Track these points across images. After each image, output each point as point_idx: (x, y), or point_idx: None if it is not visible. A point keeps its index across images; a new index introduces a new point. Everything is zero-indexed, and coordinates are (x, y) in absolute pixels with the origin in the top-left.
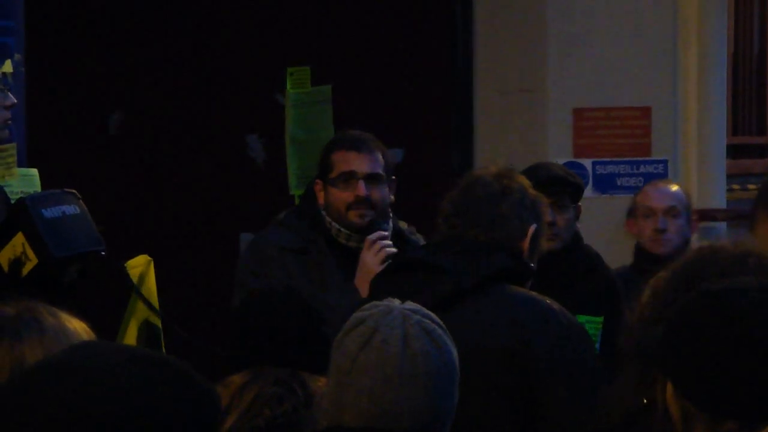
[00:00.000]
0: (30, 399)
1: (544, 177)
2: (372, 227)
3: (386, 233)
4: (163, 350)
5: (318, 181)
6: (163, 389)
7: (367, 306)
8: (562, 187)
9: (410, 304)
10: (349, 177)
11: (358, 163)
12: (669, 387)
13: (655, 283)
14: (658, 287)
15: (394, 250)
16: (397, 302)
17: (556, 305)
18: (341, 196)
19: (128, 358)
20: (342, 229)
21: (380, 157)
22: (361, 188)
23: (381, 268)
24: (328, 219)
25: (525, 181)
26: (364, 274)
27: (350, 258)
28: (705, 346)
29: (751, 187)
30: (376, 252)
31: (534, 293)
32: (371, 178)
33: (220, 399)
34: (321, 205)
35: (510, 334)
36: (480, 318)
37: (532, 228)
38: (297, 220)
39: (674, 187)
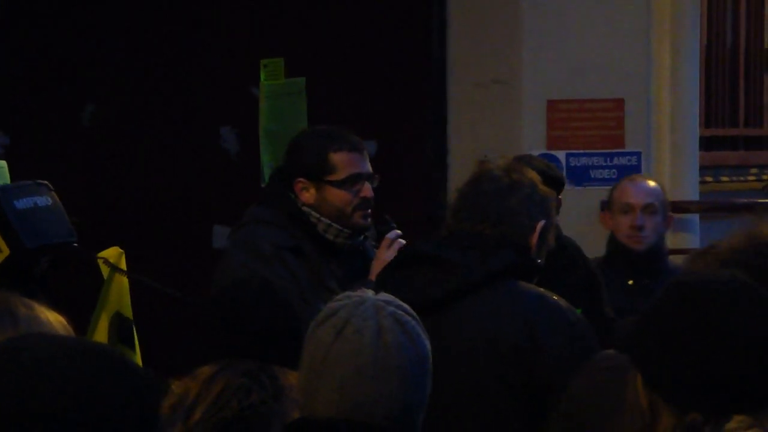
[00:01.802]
0: None
1: None
2: (387, 226)
3: (400, 232)
4: (136, 342)
5: (303, 180)
6: (101, 379)
7: (340, 297)
8: (542, 181)
9: (384, 295)
10: (357, 179)
11: (363, 164)
12: (639, 378)
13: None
14: None
15: None
16: (370, 293)
17: (563, 302)
18: (346, 197)
19: (66, 348)
20: (334, 226)
21: None
22: (369, 190)
23: None
24: (314, 215)
25: (535, 176)
26: None
27: (335, 254)
28: (671, 338)
29: (723, 179)
30: (396, 250)
31: (542, 289)
32: (371, 178)
33: (160, 389)
34: (304, 202)
35: (517, 331)
36: (487, 313)
37: (541, 224)
38: (277, 216)
39: (652, 183)
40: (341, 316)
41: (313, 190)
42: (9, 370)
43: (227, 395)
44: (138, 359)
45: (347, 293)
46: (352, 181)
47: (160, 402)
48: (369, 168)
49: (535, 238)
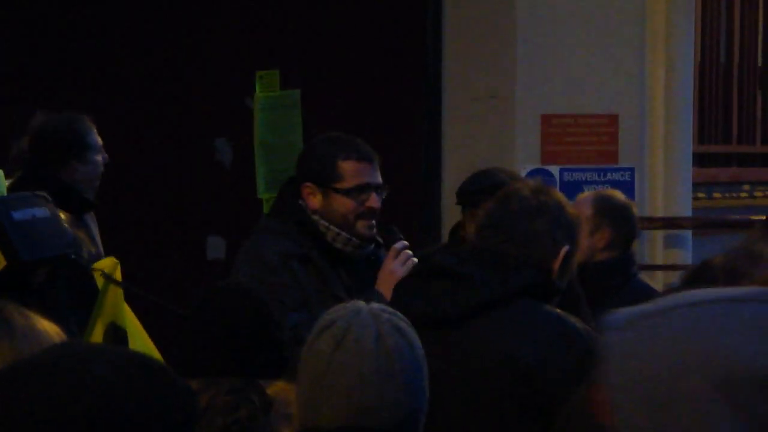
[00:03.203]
0: (7, 398)
1: (488, 183)
2: (393, 236)
3: (407, 243)
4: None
5: (310, 185)
6: (140, 386)
7: (334, 308)
8: None
9: (376, 304)
10: (364, 188)
11: (372, 174)
12: None
13: None
14: None
15: (416, 260)
16: (362, 303)
17: (581, 325)
18: (351, 206)
19: (107, 356)
20: (343, 234)
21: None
22: (375, 200)
23: None
24: (323, 223)
25: (563, 199)
26: (391, 281)
27: (344, 262)
28: None
29: (716, 195)
30: (404, 261)
31: (561, 312)
32: (380, 189)
33: (196, 395)
34: (312, 209)
35: (534, 352)
36: (505, 332)
37: (565, 249)
38: (286, 226)
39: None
40: (340, 326)
41: (319, 196)
42: (51, 376)
43: (211, 413)
44: None
45: (341, 305)
46: (359, 190)
47: (197, 409)
48: (378, 179)
49: (558, 263)
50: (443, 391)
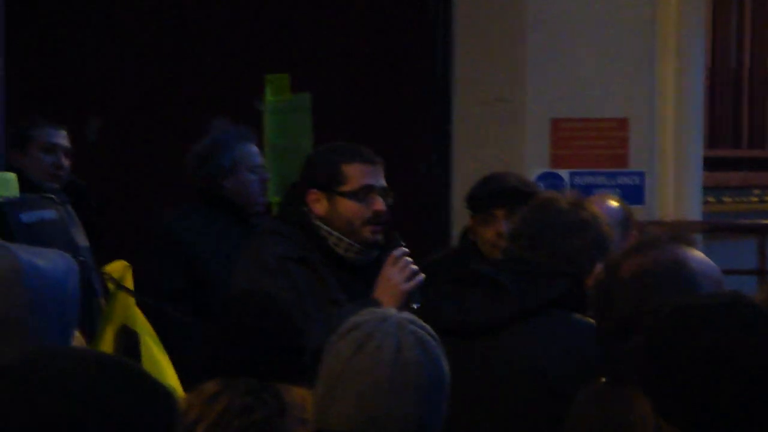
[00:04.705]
0: None
1: (497, 188)
2: (393, 242)
3: (407, 249)
4: (141, 357)
5: (315, 191)
6: (120, 391)
7: (363, 312)
8: (516, 198)
9: (406, 314)
10: (368, 191)
11: (376, 177)
12: (644, 400)
13: None
14: None
15: (415, 267)
16: (393, 311)
17: None
18: (357, 210)
19: (85, 361)
20: (345, 240)
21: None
22: (380, 203)
23: (407, 284)
24: (325, 229)
25: (600, 214)
26: (388, 288)
27: (345, 268)
28: (674, 362)
29: (726, 199)
30: (402, 268)
31: (593, 322)
32: (385, 193)
33: (177, 401)
34: (316, 215)
35: (567, 364)
36: (538, 343)
37: (599, 267)
38: (289, 228)
39: (611, 203)
40: (363, 331)
41: (325, 202)
42: (27, 382)
43: (229, 415)
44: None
45: (371, 309)
46: (364, 192)
47: (178, 413)
48: (383, 182)
49: (591, 280)
50: (470, 400)
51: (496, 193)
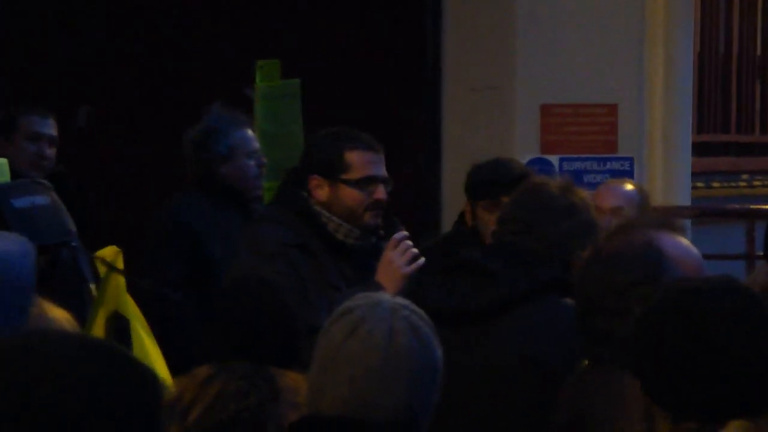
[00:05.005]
0: None
1: (506, 176)
2: (393, 227)
3: (407, 233)
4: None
5: (317, 177)
6: (104, 374)
7: (357, 296)
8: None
9: (400, 299)
10: (371, 180)
11: (378, 165)
12: (635, 384)
13: None
14: None
15: (416, 250)
16: (387, 295)
17: None
18: (359, 197)
19: (68, 344)
20: (345, 225)
21: None
22: (382, 192)
23: (408, 267)
24: (325, 214)
25: (588, 200)
26: (389, 271)
27: (344, 254)
28: (665, 345)
29: (715, 184)
30: (403, 251)
31: None
32: (386, 181)
33: (163, 386)
34: (317, 200)
35: (560, 353)
36: (531, 331)
37: (587, 251)
38: (286, 215)
39: (628, 187)
40: (356, 315)
41: (326, 188)
42: (12, 365)
43: (224, 398)
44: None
45: (366, 293)
46: (367, 182)
47: (162, 397)
48: (384, 171)
49: (579, 264)
50: (464, 387)
51: (506, 181)
